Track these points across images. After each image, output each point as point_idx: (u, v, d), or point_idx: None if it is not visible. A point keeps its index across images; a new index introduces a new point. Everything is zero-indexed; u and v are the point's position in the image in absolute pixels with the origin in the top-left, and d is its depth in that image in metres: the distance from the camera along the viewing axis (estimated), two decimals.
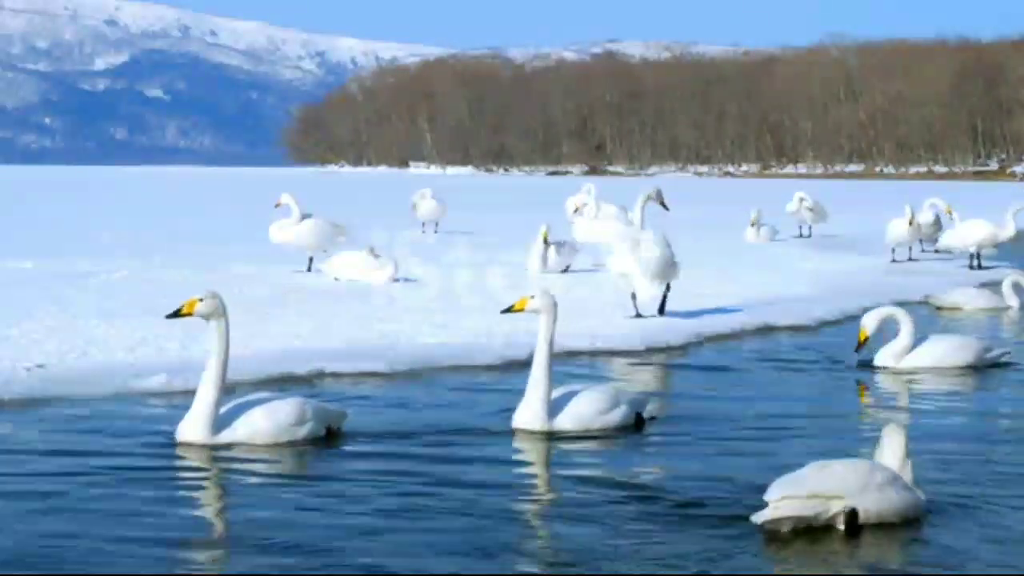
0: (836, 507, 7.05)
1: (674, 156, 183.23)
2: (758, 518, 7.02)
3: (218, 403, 9.37)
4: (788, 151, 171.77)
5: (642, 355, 14.09)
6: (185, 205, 53.47)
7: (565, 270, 22.60)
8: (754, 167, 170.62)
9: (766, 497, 7.08)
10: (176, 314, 9.39)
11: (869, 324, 13.19)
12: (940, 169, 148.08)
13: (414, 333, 14.49)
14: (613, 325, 15.51)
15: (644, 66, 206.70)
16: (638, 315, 16.21)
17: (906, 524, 7.30)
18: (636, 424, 10.09)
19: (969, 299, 19.39)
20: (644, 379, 12.95)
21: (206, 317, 9.45)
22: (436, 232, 33.47)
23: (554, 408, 9.77)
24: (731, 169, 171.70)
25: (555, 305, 9.86)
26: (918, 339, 13.38)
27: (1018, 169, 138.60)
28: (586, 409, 9.84)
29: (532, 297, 9.86)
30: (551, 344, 9.75)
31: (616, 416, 9.93)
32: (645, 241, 16.13)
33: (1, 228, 32.74)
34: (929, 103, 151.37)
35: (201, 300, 9.36)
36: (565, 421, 9.77)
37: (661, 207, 18.08)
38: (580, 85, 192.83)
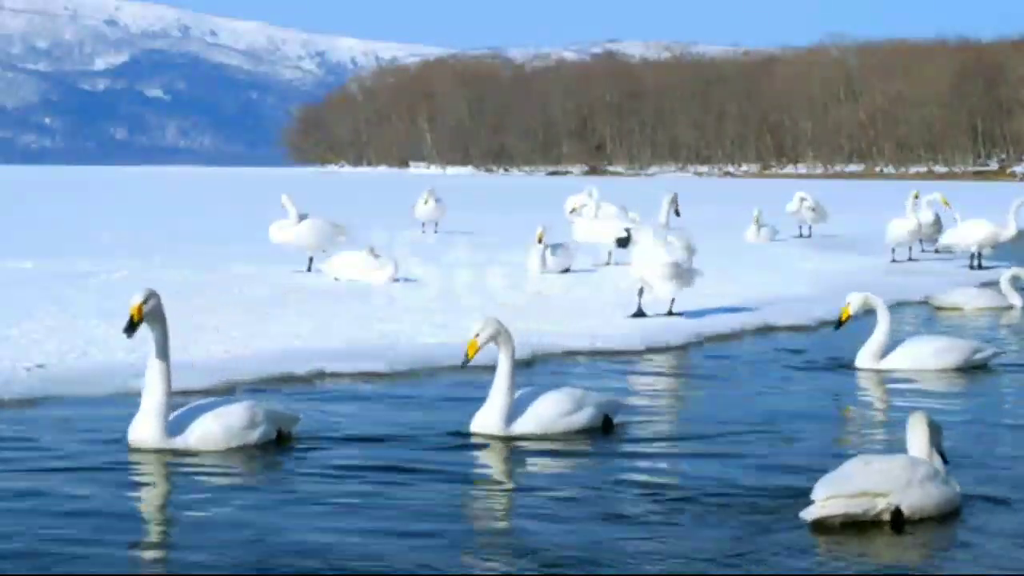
0: (882, 504, 7.22)
1: (674, 156, 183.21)
2: (807, 515, 7.17)
3: (167, 404, 9.19)
4: (788, 151, 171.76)
5: (642, 355, 14.09)
6: (185, 205, 53.46)
7: (565, 270, 22.59)
8: (754, 167, 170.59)
9: (814, 496, 7.22)
10: (132, 328, 9.23)
11: (854, 303, 13.10)
12: (940, 169, 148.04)
13: (414, 333, 14.49)
14: (613, 325, 15.51)
15: (644, 66, 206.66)
16: (640, 313, 16.29)
17: (944, 518, 7.42)
18: (604, 427, 9.86)
19: (969, 299, 19.32)
20: (627, 381, 12.91)
21: (151, 318, 9.26)
22: (436, 232, 33.47)
23: (515, 411, 9.54)
24: (731, 169, 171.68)
25: (500, 326, 9.53)
26: (901, 339, 13.28)
27: (1018, 169, 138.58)
28: (548, 411, 9.61)
29: (477, 335, 9.49)
30: (513, 355, 9.56)
31: (581, 418, 9.71)
32: (674, 243, 16.27)
33: (1, 228, 32.74)
34: (929, 103, 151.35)
35: (145, 302, 9.19)
36: (525, 424, 9.55)
37: (674, 213, 18.22)
38: (580, 85, 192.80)
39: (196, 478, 8.54)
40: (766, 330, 16.24)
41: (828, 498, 7.18)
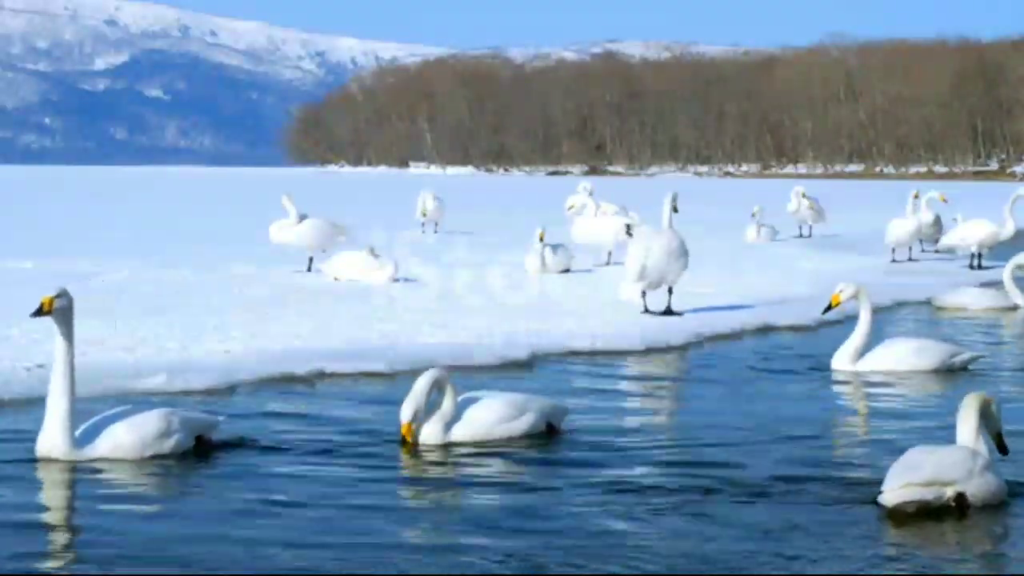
0: (950, 492, 7.69)
1: (674, 156, 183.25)
2: (885, 501, 7.62)
3: (73, 412, 8.82)
4: (788, 151, 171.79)
5: (642, 355, 14.09)
6: (185, 205, 53.46)
7: (565, 270, 22.59)
8: (754, 167, 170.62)
9: (887, 484, 7.66)
10: (39, 312, 9.00)
11: (847, 291, 13.00)
12: (940, 169, 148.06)
13: (414, 333, 14.48)
14: (613, 325, 15.51)
15: (644, 66, 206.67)
16: (646, 310, 16.57)
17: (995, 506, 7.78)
18: (548, 434, 9.62)
19: (973, 299, 19.24)
20: (628, 381, 12.92)
21: (60, 317, 9.05)
22: (436, 232, 33.48)
23: (454, 419, 9.31)
24: (731, 169, 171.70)
25: (436, 380, 9.23)
26: (879, 340, 13.21)
27: (1018, 169, 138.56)
28: (485, 417, 9.39)
29: (407, 424, 9.18)
30: (455, 393, 9.36)
31: (521, 425, 9.50)
32: (657, 243, 16.49)
33: (1, 228, 32.74)
34: (929, 103, 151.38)
35: (58, 297, 9.00)
36: (462, 431, 9.33)
37: (672, 210, 18.24)
38: (580, 85, 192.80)
39: (100, 489, 8.24)
40: (766, 330, 16.24)
41: (903, 486, 7.62)
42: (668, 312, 16.61)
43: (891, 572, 6.69)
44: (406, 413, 9.14)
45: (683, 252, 16.68)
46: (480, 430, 9.36)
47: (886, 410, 11.34)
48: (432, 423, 9.27)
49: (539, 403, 9.72)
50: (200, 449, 9.15)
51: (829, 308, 13.33)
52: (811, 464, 8.87)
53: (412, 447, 9.14)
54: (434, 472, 8.82)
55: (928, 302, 19.82)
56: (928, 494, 7.64)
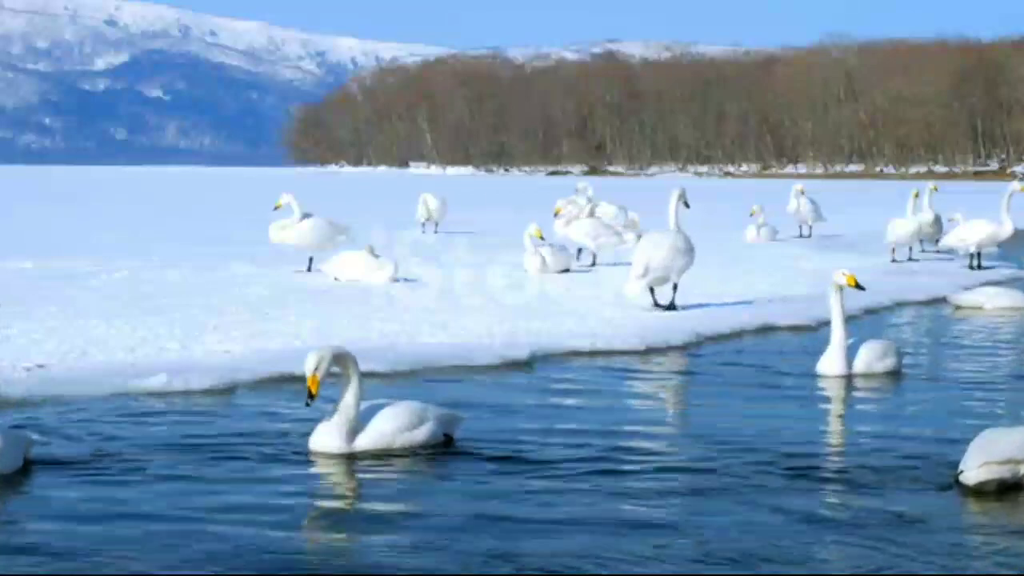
0: (1023, 470, 8.23)
1: (674, 156, 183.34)
2: (967, 480, 8.10)
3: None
4: (788, 151, 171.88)
5: (642, 355, 14.08)
6: (185, 205, 53.47)
7: (565, 271, 22.59)
8: (754, 167, 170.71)
9: (966, 463, 8.15)
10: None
11: (841, 281, 12.70)
12: (940, 169, 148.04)
13: (414, 333, 14.48)
14: (613, 325, 15.50)
15: (644, 66, 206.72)
16: (656, 305, 16.95)
17: None
18: (445, 443, 9.37)
19: (989, 298, 19.20)
20: (628, 381, 12.91)
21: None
22: (436, 232, 33.48)
23: (357, 427, 9.07)
24: (731, 169, 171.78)
25: (333, 351, 8.97)
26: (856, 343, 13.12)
27: (1018, 169, 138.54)
28: (387, 426, 9.15)
29: (316, 370, 8.82)
30: (359, 375, 9.04)
31: (421, 434, 9.24)
32: (662, 241, 16.92)
33: (1, 228, 32.75)
34: (929, 103, 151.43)
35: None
36: (365, 440, 9.09)
37: (683, 205, 18.34)
38: (580, 85, 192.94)
39: None
40: (766, 330, 16.23)
41: (983, 464, 8.10)
42: (671, 307, 16.90)
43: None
44: (311, 364, 8.83)
45: (688, 250, 17.06)
46: (383, 440, 9.12)
47: (894, 410, 11.35)
48: (333, 431, 9.02)
49: (437, 412, 9.45)
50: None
51: (859, 287, 13.02)
52: (824, 457, 8.88)
53: (311, 400, 8.82)
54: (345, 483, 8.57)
55: (943, 301, 19.88)
56: (1005, 472, 8.12)
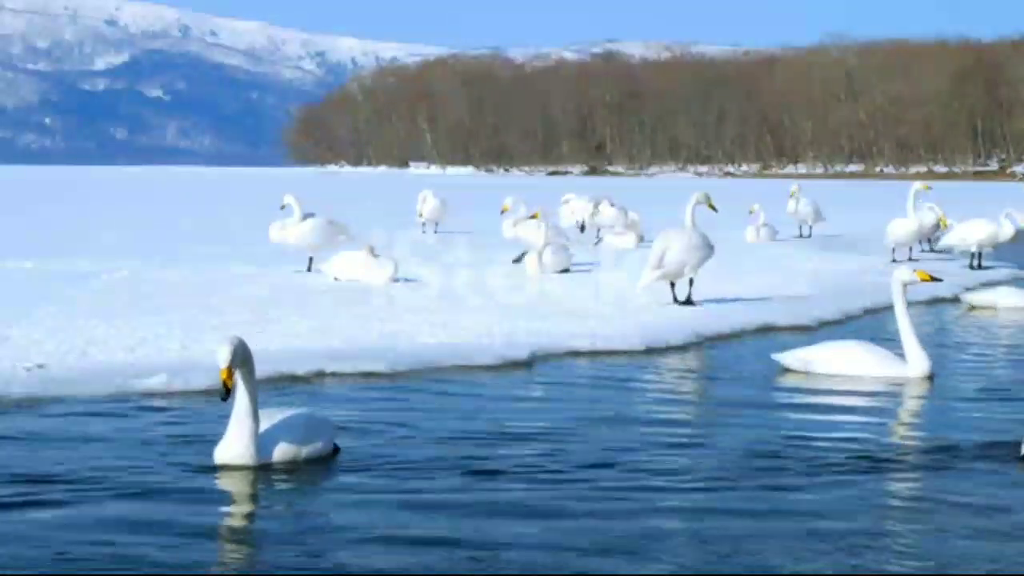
0: None
1: (674, 156, 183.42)
2: None
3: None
4: (788, 151, 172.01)
5: (642, 355, 14.08)
6: (185, 205, 53.47)
7: (565, 271, 22.58)
8: (754, 167, 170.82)
9: None
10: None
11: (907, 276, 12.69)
12: (940, 169, 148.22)
13: (414, 333, 14.46)
14: (613, 325, 15.49)
15: (644, 66, 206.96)
16: (675, 300, 17.48)
17: None
18: (334, 453, 8.97)
19: (1002, 297, 19.21)
20: (628, 382, 12.90)
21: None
22: (436, 232, 33.48)
23: (261, 439, 8.63)
24: (731, 169, 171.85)
25: (242, 345, 8.40)
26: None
27: (1018, 169, 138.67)
28: (290, 438, 8.71)
29: (226, 368, 8.27)
30: (254, 377, 8.56)
31: (319, 445, 8.82)
32: (677, 237, 17.35)
33: (1, 228, 32.75)
34: (929, 103, 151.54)
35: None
36: (275, 451, 8.68)
37: (710, 209, 18.60)
38: (580, 85, 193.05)
39: None
40: (766, 330, 16.22)
41: None
42: (688, 302, 17.43)
43: None
44: (223, 356, 8.28)
45: (703, 246, 17.49)
46: (287, 452, 8.69)
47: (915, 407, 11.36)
48: (239, 441, 8.58)
49: (329, 423, 9.11)
50: None
51: (934, 280, 13.08)
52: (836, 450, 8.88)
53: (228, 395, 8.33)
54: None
55: (956, 300, 19.96)
56: None
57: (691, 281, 17.54)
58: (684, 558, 6.77)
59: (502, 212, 26.17)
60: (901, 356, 12.55)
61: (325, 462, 8.80)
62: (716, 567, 6.65)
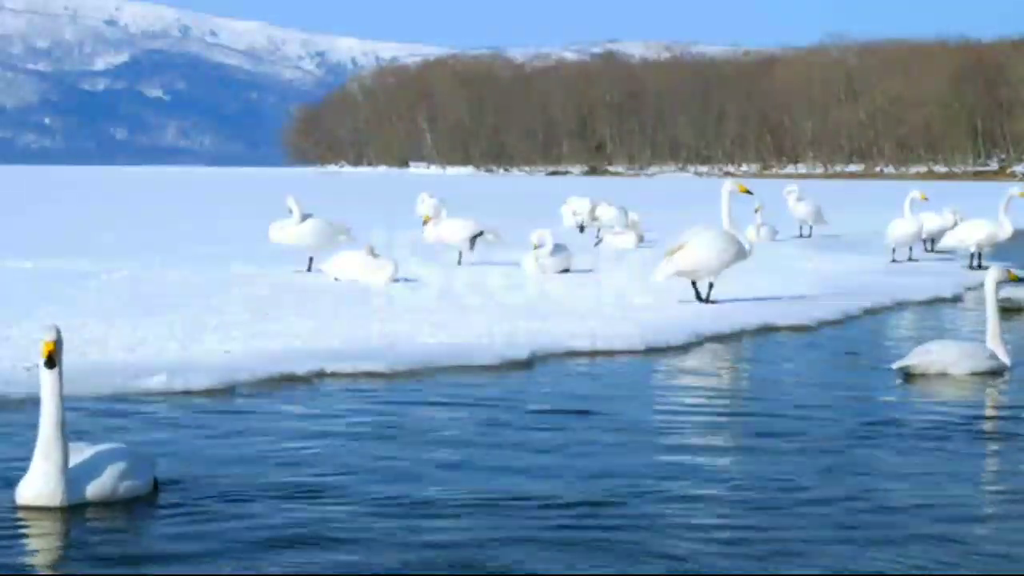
0: None
1: (674, 156, 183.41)
2: None
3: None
4: (788, 151, 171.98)
5: (642, 355, 14.06)
6: (185, 205, 53.47)
7: (565, 271, 22.58)
8: (754, 167, 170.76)
9: None
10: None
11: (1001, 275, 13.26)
12: (940, 169, 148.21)
13: (414, 333, 14.46)
14: (613, 325, 15.49)
15: (644, 66, 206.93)
16: (698, 298, 17.89)
17: None
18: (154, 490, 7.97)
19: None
20: (629, 381, 12.91)
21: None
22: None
23: (71, 476, 7.60)
24: (731, 169, 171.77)
25: (59, 335, 7.59)
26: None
27: (1018, 169, 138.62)
28: (107, 475, 7.71)
29: (52, 345, 7.52)
30: (61, 406, 7.56)
31: (143, 483, 7.84)
32: (702, 236, 17.88)
33: (1, 228, 32.74)
34: (929, 103, 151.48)
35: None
36: (82, 491, 7.62)
37: (745, 193, 19.49)
38: (580, 85, 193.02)
39: None
40: (766, 330, 16.23)
41: None
42: (706, 301, 17.81)
43: None
44: (51, 333, 7.53)
45: (727, 249, 17.85)
46: (104, 491, 7.69)
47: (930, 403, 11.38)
48: (45, 478, 7.55)
49: (150, 458, 8.16)
50: None
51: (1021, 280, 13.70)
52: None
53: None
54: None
55: (957, 299, 20.05)
56: None
57: (711, 284, 17.85)
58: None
59: (424, 223, 25.88)
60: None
61: (145, 500, 7.79)
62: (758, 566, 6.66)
